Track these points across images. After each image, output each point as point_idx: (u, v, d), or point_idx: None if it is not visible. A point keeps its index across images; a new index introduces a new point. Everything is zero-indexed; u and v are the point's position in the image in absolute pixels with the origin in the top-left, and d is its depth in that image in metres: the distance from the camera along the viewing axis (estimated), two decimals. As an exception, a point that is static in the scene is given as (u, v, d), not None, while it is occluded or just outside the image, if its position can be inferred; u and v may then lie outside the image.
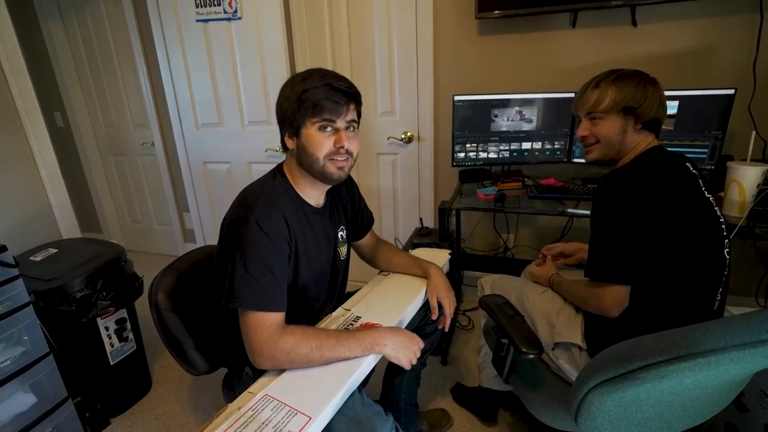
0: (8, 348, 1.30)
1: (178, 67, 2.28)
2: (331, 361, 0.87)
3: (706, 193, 0.98)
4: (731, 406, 1.19)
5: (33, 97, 1.71)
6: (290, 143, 0.98)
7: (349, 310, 1.09)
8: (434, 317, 1.16)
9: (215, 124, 2.33)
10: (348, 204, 1.20)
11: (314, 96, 0.91)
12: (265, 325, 0.86)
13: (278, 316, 0.89)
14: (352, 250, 1.26)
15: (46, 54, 2.82)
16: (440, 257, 1.38)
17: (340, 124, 0.94)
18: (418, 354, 0.95)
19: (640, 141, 1.02)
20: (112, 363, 1.55)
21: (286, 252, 0.93)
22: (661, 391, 0.71)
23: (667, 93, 1.54)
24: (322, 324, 1.03)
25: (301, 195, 1.02)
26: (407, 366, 0.93)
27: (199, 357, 1.10)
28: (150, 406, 1.67)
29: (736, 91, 1.49)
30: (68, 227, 1.84)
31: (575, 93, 1.12)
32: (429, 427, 1.44)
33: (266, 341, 0.85)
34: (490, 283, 1.40)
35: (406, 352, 0.92)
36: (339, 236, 1.14)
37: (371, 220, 1.30)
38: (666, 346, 0.66)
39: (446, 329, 1.17)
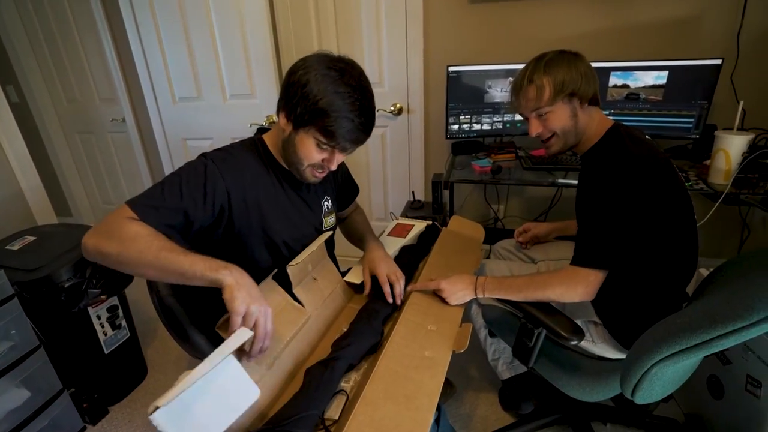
0: (-5, 344, 1.23)
1: (149, 35, 2.10)
2: (165, 268, 0.75)
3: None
4: (714, 359, 1.28)
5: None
6: (284, 123, 0.90)
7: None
8: (366, 291, 1.02)
9: (194, 98, 2.19)
10: (335, 173, 1.14)
11: (338, 126, 0.84)
12: (123, 210, 0.80)
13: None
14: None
15: (-9, 22, 2.55)
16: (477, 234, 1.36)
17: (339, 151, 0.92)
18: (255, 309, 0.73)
19: (592, 117, 1.02)
20: (106, 352, 1.50)
21: (220, 196, 0.88)
22: None
23: (658, 63, 1.60)
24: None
25: (278, 158, 0.99)
26: (237, 311, 0.71)
27: (204, 340, 1.07)
28: (148, 391, 1.64)
29: (723, 62, 1.53)
30: (42, 212, 1.73)
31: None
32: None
33: (114, 218, 0.78)
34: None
35: (242, 293, 0.73)
36: (324, 206, 1.11)
37: (356, 192, 1.28)
38: (744, 312, 0.68)
39: (397, 302, 0.99)
